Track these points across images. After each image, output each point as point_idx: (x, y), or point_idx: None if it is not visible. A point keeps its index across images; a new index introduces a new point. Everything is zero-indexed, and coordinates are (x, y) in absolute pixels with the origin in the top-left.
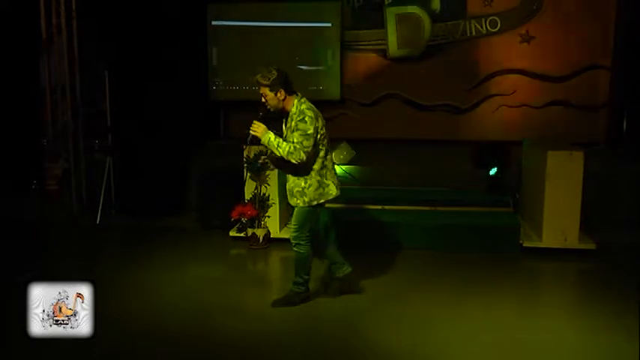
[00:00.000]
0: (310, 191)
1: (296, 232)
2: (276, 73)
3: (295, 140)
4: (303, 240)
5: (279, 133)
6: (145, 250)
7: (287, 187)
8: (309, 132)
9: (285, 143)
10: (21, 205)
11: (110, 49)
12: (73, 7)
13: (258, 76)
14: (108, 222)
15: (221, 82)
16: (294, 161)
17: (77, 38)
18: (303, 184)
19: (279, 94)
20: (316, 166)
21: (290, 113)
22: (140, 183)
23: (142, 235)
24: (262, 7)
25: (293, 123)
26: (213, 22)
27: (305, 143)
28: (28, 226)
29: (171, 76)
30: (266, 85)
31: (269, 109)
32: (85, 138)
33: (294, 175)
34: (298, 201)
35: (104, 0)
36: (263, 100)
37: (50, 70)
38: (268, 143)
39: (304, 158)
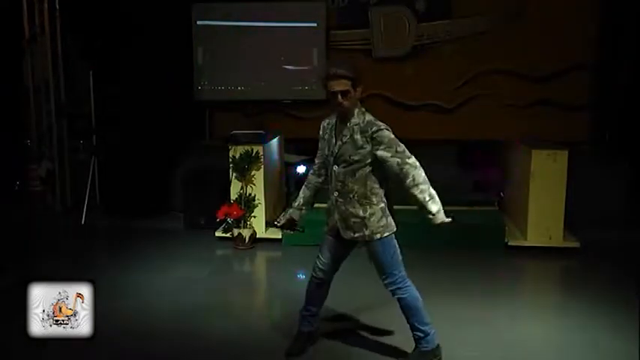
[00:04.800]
0: (373, 222)
1: (388, 277)
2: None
3: (398, 151)
4: (400, 281)
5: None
6: (130, 250)
7: (337, 217)
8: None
9: (421, 186)
10: (4, 206)
11: (94, 49)
12: (57, 6)
13: (340, 70)
14: (93, 222)
15: (206, 83)
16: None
17: (60, 38)
18: (362, 213)
19: (358, 93)
20: (380, 191)
21: (350, 124)
22: (125, 183)
23: (127, 236)
24: (247, 7)
25: (359, 136)
26: (198, 22)
27: (406, 152)
28: (12, 227)
29: (156, 76)
30: (351, 79)
31: (341, 110)
32: (69, 138)
33: (349, 200)
34: (357, 234)
35: None
36: (340, 100)
37: (33, 70)
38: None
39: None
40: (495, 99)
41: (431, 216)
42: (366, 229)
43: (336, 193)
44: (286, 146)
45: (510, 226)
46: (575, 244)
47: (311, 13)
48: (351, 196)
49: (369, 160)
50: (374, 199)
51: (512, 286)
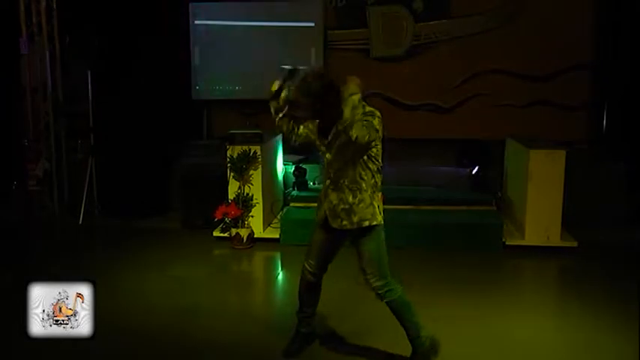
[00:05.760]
0: (361, 209)
1: (380, 279)
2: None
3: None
4: (390, 283)
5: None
6: (128, 250)
7: (326, 206)
8: (376, 127)
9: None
10: (1, 206)
11: (92, 49)
12: (54, 5)
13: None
14: (90, 222)
15: (204, 82)
16: (358, 134)
17: (58, 37)
18: (352, 199)
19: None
20: (368, 179)
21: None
22: (123, 183)
23: (125, 236)
24: (245, 7)
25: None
26: (196, 22)
27: (372, 133)
28: (10, 227)
29: (154, 75)
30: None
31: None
32: (67, 138)
33: (339, 187)
34: (345, 222)
35: None
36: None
37: (31, 69)
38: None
39: (366, 137)
40: (493, 99)
41: None
42: (354, 216)
43: (327, 181)
44: (284, 146)
45: (508, 225)
46: (573, 244)
47: (309, 13)
48: (342, 181)
49: None
50: (363, 185)
51: (510, 285)
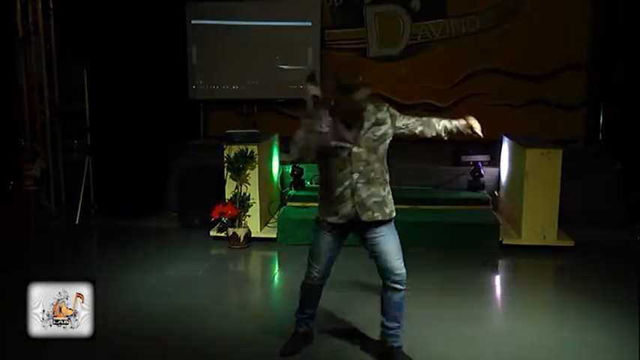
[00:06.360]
0: (390, 200)
1: (402, 267)
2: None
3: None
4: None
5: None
6: (126, 250)
7: (356, 199)
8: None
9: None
10: None
11: (88, 48)
12: (50, 5)
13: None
14: (87, 222)
15: (201, 82)
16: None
17: (54, 37)
18: (382, 191)
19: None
20: (387, 172)
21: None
22: (120, 183)
23: (122, 236)
24: (242, 6)
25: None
26: (193, 21)
27: None
28: (6, 228)
29: (150, 75)
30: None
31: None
32: (64, 138)
33: (370, 181)
34: (377, 214)
35: None
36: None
37: (27, 69)
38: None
39: None
40: (490, 98)
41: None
42: (386, 207)
43: (356, 175)
44: (280, 145)
45: (505, 224)
46: (569, 243)
47: (306, 12)
48: (372, 175)
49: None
50: (387, 178)
51: (507, 284)
